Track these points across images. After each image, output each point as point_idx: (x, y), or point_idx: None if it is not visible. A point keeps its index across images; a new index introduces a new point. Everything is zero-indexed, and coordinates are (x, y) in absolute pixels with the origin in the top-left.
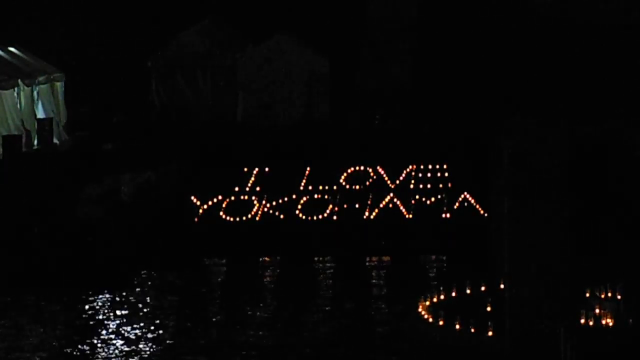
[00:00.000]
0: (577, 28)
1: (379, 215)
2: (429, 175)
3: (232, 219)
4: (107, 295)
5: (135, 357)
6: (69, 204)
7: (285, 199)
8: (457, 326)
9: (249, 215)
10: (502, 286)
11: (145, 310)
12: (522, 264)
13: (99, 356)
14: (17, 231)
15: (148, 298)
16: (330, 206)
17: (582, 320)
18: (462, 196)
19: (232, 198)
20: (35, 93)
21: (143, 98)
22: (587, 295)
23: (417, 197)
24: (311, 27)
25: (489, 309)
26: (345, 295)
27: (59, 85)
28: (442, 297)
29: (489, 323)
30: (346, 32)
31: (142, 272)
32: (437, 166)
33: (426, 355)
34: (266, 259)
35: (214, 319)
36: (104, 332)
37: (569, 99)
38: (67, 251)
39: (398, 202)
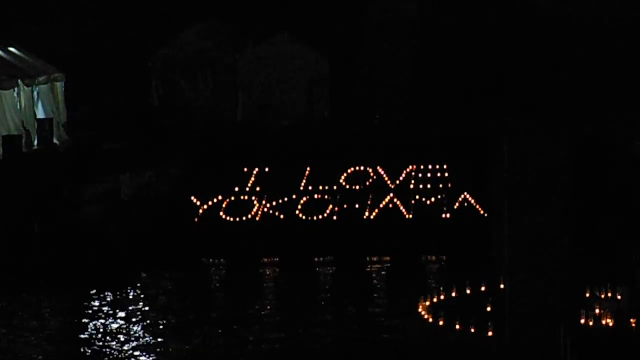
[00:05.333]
0: (576, 27)
1: (379, 215)
2: (429, 175)
3: (232, 219)
4: (107, 295)
5: (135, 357)
6: (69, 204)
7: (285, 199)
8: (457, 326)
9: (249, 215)
10: (502, 286)
11: (145, 310)
12: (522, 263)
13: (99, 356)
14: (17, 231)
15: (148, 298)
16: (330, 206)
17: (582, 320)
18: (462, 196)
19: (232, 198)
20: (35, 93)
21: (144, 98)
22: (587, 295)
23: (417, 197)
24: (311, 27)
25: (489, 309)
26: (345, 295)
27: (59, 85)
28: (442, 297)
29: (489, 323)
30: (346, 32)
31: (142, 272)
32: (437, 166)
33: (426, 355)
34: (266, 259)
35: (214, 320)
36: (103, 332)
37: (570, 99)
38: (67, 251)
39: (398, 202)
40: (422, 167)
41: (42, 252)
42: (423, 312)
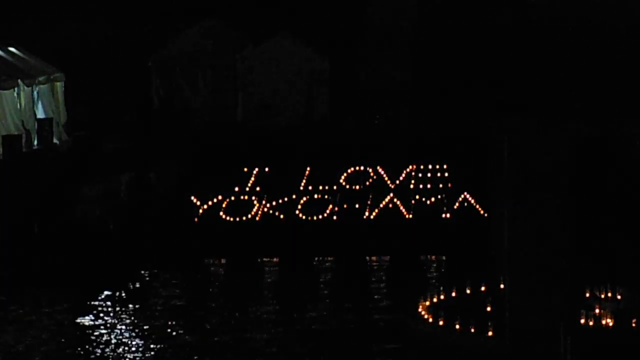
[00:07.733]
0: (576, 26)
1: (379, 215)
2: (429, 175)
3: (232, 219)
4: (108, 295)
5: (135, 357)
6: (69, 204)
7: (285, 199)
8: (457, 326)
9: (249, 215)
10: (502, 286)
11: (145, 310)
12: (522, 263)
13: (99, 356)
14: (17, 231)
15: (148, 298)
16: (330, 206)
17: (582, 320)
18: (462, 196)
19: (232, 198)
20: (35, 93)
21: (144, 98)
22: (587, 295)
23: (417, 197)
24: (311, 27)
25: (489, 309)
26: (345, 295)
27: (59, 85)
28: (442, 297)
29: (489, 323)
30: (346, 32)
31: (142, 272)
32: (437, 166)
33: (426, 355)
34: (266, 259)
35: (214, 319)
36: (104, 332)
37: (570, 98)
38: (67, 251)
39: (398, 202)
40: (422, 167)
41: (41, 252)
42: (423, 312)
